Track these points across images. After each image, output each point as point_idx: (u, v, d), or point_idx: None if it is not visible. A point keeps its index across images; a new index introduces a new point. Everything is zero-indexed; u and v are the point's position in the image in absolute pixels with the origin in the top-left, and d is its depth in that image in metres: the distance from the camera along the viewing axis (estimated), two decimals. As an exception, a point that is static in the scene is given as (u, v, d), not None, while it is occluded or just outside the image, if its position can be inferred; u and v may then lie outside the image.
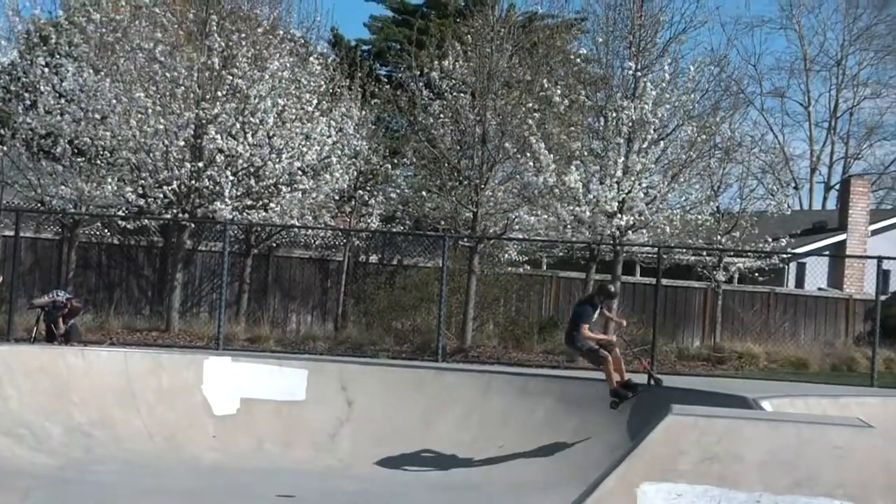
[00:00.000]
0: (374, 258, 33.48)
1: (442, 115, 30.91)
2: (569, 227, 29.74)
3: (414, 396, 20.71)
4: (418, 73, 31.45)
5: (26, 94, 29.51)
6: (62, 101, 29.13)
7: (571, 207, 28.84)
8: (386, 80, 34.69)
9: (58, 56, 29.64)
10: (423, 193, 32.06)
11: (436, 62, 31.29)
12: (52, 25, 30.96)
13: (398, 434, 19.89)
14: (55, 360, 20.01)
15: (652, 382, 19.16)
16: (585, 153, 29.66)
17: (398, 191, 33.88)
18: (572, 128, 29.98)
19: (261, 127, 28.94)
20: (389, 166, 32.82)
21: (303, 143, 29.55)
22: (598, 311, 19.02)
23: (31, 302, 23.08)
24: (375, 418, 20.05)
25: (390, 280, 32.53)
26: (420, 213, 32.84)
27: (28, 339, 22.65)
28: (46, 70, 29.30)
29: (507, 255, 33.40)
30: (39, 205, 30.00)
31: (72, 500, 14.78)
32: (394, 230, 33.50)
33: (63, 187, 29.14)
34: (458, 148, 31.00)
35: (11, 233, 27.50)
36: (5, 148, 29.59)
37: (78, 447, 18.24)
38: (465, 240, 30.82)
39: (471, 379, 21.38)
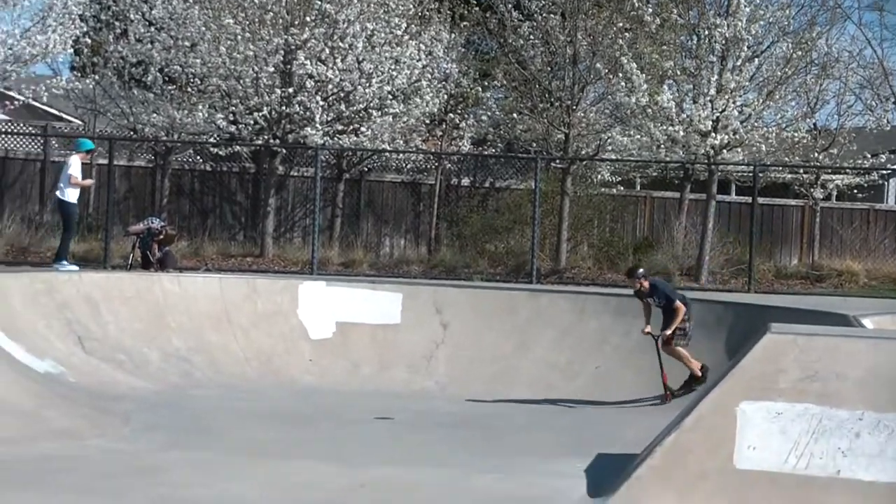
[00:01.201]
0: (466, 181, 33.35)
1: (532, 37, 30.61)
2: (662, 146, 29.40)
3: (509, 319, 20.66)
4: (508, -6, 31.17)
5: (117, 23, 29.63)
6: (152, 29, 29.20)
7: (665, 127, 28.48)
8: (475, 2, 34.33)
9: (148, -16, 29.71)
10: (515, 115, 31.81)
11: (525, -18, 30.97)
12: (141, -46, 30.99)
13: (493, 356, 19.87)
14: (151, 287, 20.18)
15: (669, 395, 17.99)
16: (678, 72, 29.23)
17: (489, 113, 33.65)
18: (664, 47, 29.53)
19: (350, 52, 28.80)
20: (480, 89, 32.59)
21: (392, 67, 29.37)
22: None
23: (127, 229, 23.23)
24: (470, 341, 20.02)
25: (483, 203, 32.41)
26: (511, 136, 32.63)
27: (124, 267, 22.82)
28: (136, -1, 29.40)
29: (599, 176, 33.11)
30: (132, 133, 30.16)
31: (171, 424, 14.87)
32: (485, 153, 33.32)
33: (155, 115, 29.26)
34: (549, 69, 30.71)
35: (105, 161, 27.69)
36: (97, 77, 29.73)
37: (176, 372, 18.39)
38: (558, 161, 30.57)
39: (565, 300, 21.28)
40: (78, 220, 22.28)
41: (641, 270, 18.64)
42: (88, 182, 22.63)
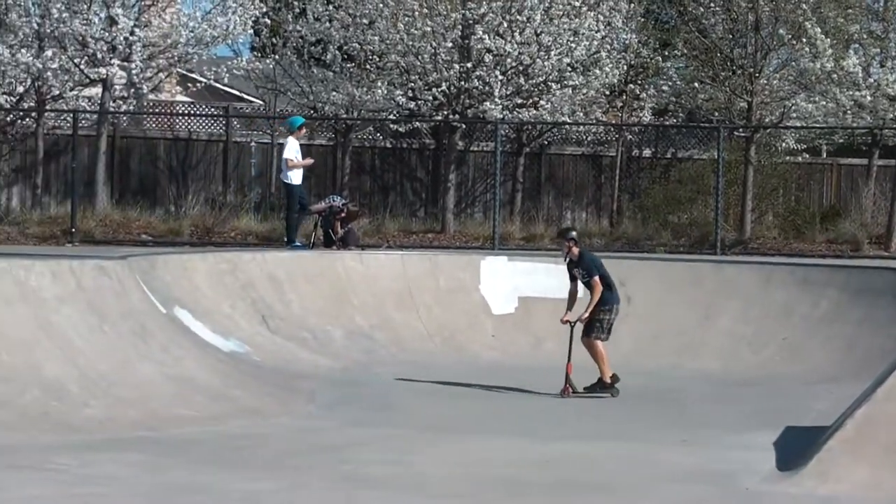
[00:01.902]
0: (647, 152, 32.99)
1: (713, 4, 30.07)
2: (849, 112, 28.66)
3: (693, 290, 20.33)
4: (687, -39, 30.65)
5: (295, 3, 29.86)
6: (330, 7, 29.34)
7: (851, 92, 27.76)
8: (654, -30, 33.90)
9: (325, -37, 29.89)
10: (696, 84, 31.28)
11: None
12: (319, -68, 31.19)
13: (677, 329, 19.58)
14: (334, 265, 20.29)
15: (569, 389, 16.00)
16: (864, 36, 28.46)
17: (670, 83, 33.15)
18: (850, 10, 28.77)
19: (528, 24, 28.59)
20: (660, 59, 32.13)
21: (571, 38, 29.08)
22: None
23: (309, 208, 23.40)
24: (654, 313, 19.74)
25: (665, 174, 32.01)
26: (693, 105, 32.11)
27: (307, 245, 23.00)
28: (314, -23, 29.60)
29: (784, 144, 32.43)
30: (312, 111, 30.39)
31: (355, 401, 14.93)
32: (667, 123, 32.91)
33: (334, 93, 29.43)
34: (731, 36, 30.13)
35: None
36: (277, 57, 30.02)
37: (359, 349, 18.46)
38: (741, 130, 30.02)
39: (751, 271, 20.89)
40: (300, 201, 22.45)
41: (574, 233, 16.61)
42: (307, 162, 22.84)
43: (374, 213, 29.21)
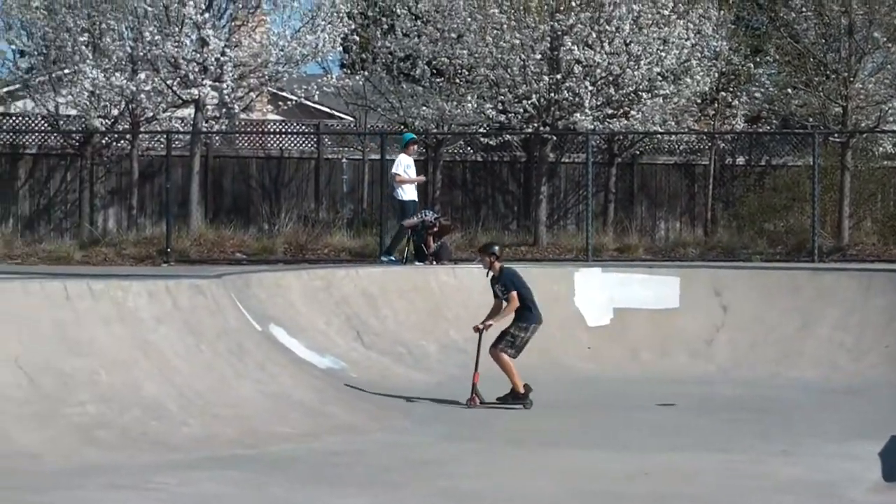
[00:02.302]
0: (740, 160, 32.70)
1: (804, 9, 29.73)
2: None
3: (790, 299, 20.11)
4: (777, -34, 30.36)
5: (383, 19, 30.00)
6: (419, 22, 29.43)
7: (949, 94, 27.37)
8: (743, -24, 33.59)
9: (413, -22, 30.00)
10: (789, 91, 30.94)
11: (795, -47, 30.11)
12: (406, -52, 31.32)
13: (776, 338, 19.38)
14: (427, 280, 20.30)
15: (475, 399, 15.73)
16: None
17: (762, 90, 32.81)
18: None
19: (617, 34, 28.45)
20: (752, 65, 31.81)
21: (661, 47, 28.90)
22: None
23: (402, 223, 23.44)
24: (751, 323, 19.55)
25: (759, 181, 31.70)
26: (786, 111, 31.75)
27: (400, 260, 23.01)
28: (402, -8, 29.73)
29: (881, 149, 31.99)
30: (403, 127, 30.43)
31: (451, 416, 14.89)
32: (760, 130, 32.58)
33: (424, 108, 29.48)
34: (823, 41, 29.77)
35: (378, 156, 28.04)
36: (367, 73, 30.13)
37: (454, 363, 18.41)
38: (836, 135, 29.64)
39: (850, 278, 20.60)
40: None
41: (496, 248, 16.38)
42: (417, 178, 23.05)
43: (467, 227, 29.18)
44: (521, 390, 15.75)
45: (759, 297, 20.18)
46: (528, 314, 15.94)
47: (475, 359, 15.84)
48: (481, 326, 15.99)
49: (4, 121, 30.14)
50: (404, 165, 22.66)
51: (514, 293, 15.82)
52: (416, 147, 23.70)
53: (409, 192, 22.66)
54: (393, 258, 22.52)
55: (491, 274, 16.14)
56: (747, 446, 12.95)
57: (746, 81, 32.34)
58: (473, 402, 15.66)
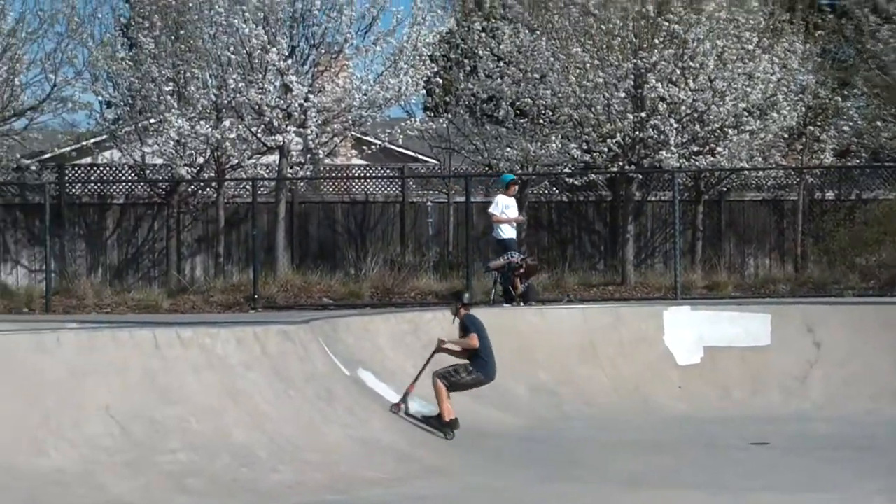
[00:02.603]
0: (830, 194, 32.29)
1: (892, 40, 29.44)
2: None
3: (885, 334, 19.78)
4: (864, -2, 30.17)
5: (466, 61, 30.07)
6: (501, 63, 29.46)
7: None
8: (829, 9, 33.28)
9: (493, 20, 30.11)
10: (878, 123, 30.64)
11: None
12: (486, -11, 31.41)
13: (871, 374, 19.09)
14: (515, 321, 20.18)
15: (401, 406, 16.14)
16: None
17: (851, 123, 32.43)
18: None
19: (701, 71, 28.30)
20: (839, 98, 31.50)
21: (746, 83, 28.70)
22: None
23: (488, 265, 23.37)
24: (845, 359, 19.26)
25: (849, 215, 31.29)
26: (876, 144, 31.41)
27: (487, 302, 22.90)
28: (483, 34, 29.82)
29: (978, 180, 31.55)
30: (487, 168, 30.42)
31: (542, 458, 14.76)
32: (849, 164, 32.18)
33: (508, 149, 29.44)
34: (912, 72, 29.50)
35: (463, 198, 28.01)
36: (450, 115, 30.17)
37: (544, 405, 18.30)
38: (929, 167, 29.26)
39: (946, 312, 20.25)
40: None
41: (466, 296, 16.79)
42: (515, 219, 23.04)
43: (553, 268, 29.03)
44: (447, 418, 15.92)
45: (853, 332, 19.88)
46: (481, 363, 16.22)
47: (420, 370, 16.28)
48: (444, 342, 16.42)
49: (92, 171, 30.48)
50: (502, 205, 22.69)
51: (474, 335, 16.15)
52: (515, 187, 23.61)
53: (507, 232, 22.68)
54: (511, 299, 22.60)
55: (456, 320, 16.59)
56: (844, 486, 12.73)
57: (834, 115, 31.99)
58: (399, 407, 16.01)
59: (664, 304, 22.09)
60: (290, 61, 27.05)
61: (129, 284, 28.74)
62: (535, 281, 23.39)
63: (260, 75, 27.01)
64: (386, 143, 29.86)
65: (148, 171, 29.76)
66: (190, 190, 29.33)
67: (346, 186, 31.20)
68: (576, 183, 30.59)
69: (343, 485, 12.48)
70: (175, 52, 27.94)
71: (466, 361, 16.22)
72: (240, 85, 26.88)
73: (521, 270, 22.45)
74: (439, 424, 15.89)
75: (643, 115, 27.92)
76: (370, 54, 28.00)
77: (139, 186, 29.77)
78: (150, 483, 11.58)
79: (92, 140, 31.02)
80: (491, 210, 22.78)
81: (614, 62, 27.99)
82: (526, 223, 28.97)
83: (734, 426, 17.02)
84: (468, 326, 16.28)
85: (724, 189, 31.66)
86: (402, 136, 29.31)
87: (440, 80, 29.94)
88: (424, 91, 29.93)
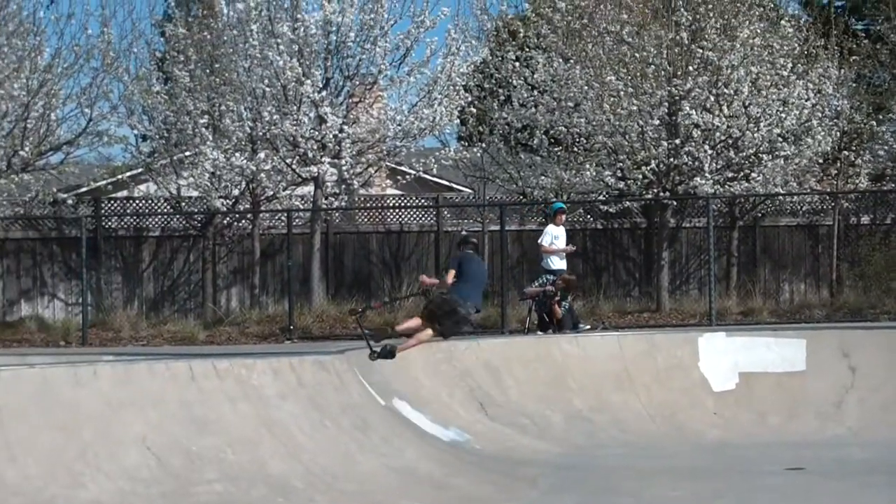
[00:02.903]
0: (865, 219, 32.20)
1: (928, 63, 29.45)
2: None
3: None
4: (898, 22, 30.13)
5: (500, 90, 30.19)
6: (535, 92, 29.58)
7: None
8: (864, 34, 33.25)
9: (527, 49, 30.22)
10: (917, 147, 30.61)
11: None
12: (520, 20, 31.52)
13: (909, 399, 18.94)
14: (550, 349, 20.13)
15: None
16: None
17: (886, 147, 32.38)
18: None
19: (735, 97, 28.34)
20: (875, 123, 31.44)
21: (780, 108, 28.72)
22: None
23: (523, 292, 23.39)
24: (882, 383, 19.12)
25: (885, 240, 31.18)
26: (913, 169, 31.38)
27: (522, 330, 22.92)
28: (517, 64, 29.97)
29: None
30: (521, 197, 30.47)
31: (579, 486, 14.72)
32: (885, 188, 32.09)
33: (543, 178, 29.54)
34: (947, 96, 29.42)
35: (497, 227, 28.07)
36: (484, 144, 30.26)
37: (579, 433, 18.25)
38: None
39: None
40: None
41: (474, 240, 18.44)
42: (564, 249, 23.01)
43: (588, 295, 29.04)
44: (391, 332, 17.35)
45: (890, 357, 19.75)
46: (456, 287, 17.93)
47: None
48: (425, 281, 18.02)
49: (128, 204, 30.69)
50: (551, 236, 22.73)
51: (452, 271, 17.71)
52: (563, 216, 23.56)
53: (556, 262, 22.69)
54: (583, 326, 23.11)
55: None
56: (883, 511, 12.66)
57: (869, 139, 31.96)
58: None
59: (699, 331, 22.01)
60: (324, 93, 27.19)
61: (164, 317, 28.90)
62: (573, 303, 23.30)
63: (294, 107, 27.16)
64: (420, 173, 29.96)
65: (183, 204, 29.94)
66: (225, 222, 29.49)
67: (380, 216, 31.31)
68: (610, 210, 30.59)
69: (378, 514, 12.49)
70: (210, 86, 28.14)
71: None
72: (274, 117, 27.03)
73: (560, 284, 22.41)
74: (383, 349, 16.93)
75: (677, 142, 27.94)
76: (404, 85, 28.14)
77: (175, 219, 29.94)
78: (187, 514, 11.63)
79: (128, 173, 31.28)
80: (540, 241, 22.78)
81: (648, 90, 28.04)
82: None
83: (770, 452, 16.94)
84: (450, 263, 17.37)
85: (759, 215, 31.63)
86: (436, 166, 29.41)
87: (474, 110, 30.06)
88: (458, 121, 30.05)
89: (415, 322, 17.64)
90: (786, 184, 29.98)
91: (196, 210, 29.55)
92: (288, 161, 27.81)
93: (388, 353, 16.88)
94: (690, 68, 28.12)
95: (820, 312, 27.64)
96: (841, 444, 17.54)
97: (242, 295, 29.83)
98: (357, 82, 28.06)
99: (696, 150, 27.87)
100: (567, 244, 23.22)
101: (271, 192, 28.73)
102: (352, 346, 19.04)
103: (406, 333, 17.58)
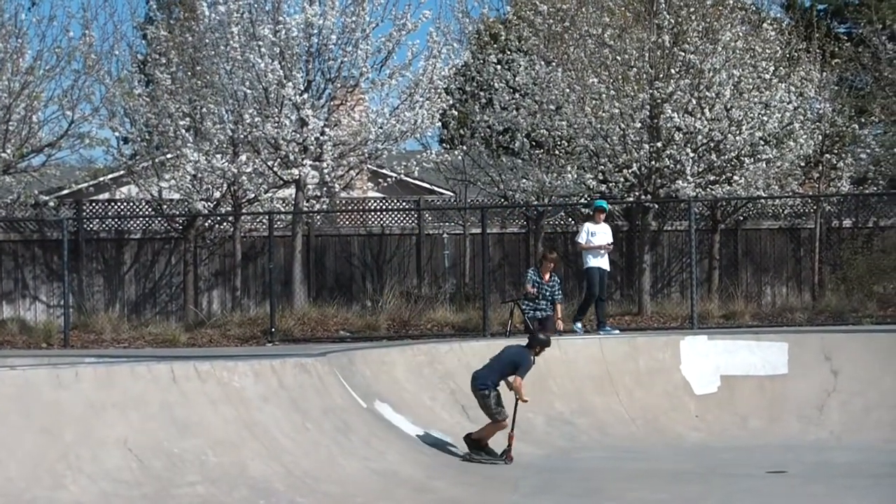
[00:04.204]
0: (847, 222, 32.26)
1: (910, 68, 29.54)
2: None
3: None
4: (880, 26, 30.11)
5: (481, 93, 30.19)
6: (516, 95, 29.58)
7: None
8: (846, 37, 33.29)
9: (508, 52, 30.21)
10: (895, 150, 30.62)
11: (898, 12, 29.94)
12: (501, 23, 31.53)
13: (890, 402, 19.00)
14: (532, 352, 20.12)
15: (504, 458, 16.39)
16: None
17: (868, 150, 32.44)
18: None
19: (717, 100, 28.35)
20: (856, 126, 31.50)
21: (762, 112, 28.75)
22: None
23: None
24: (864, 387, 19.20)
25: (867, 243, 31.25)
26: (893, 172, 31.40)
27: (503, 333, 22.89)
28: (499, 67, 29.94)
29: None
30: (503, 200, 30.48)
31: (560, 488, 14.73)
32: (867, 192, 32.16)
33: (524, 180, 29.53)
34: (928, 100, 29.51)
35: (478, 230, 28.05)
36: (466, 147, 30.26)
37: (561, 435, 18.28)
38: (945, 195, 29.25)
39: (965, 339, 20.18)
40: (599, 285, 22.92)
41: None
42: (601, 246, 22.92)
43: (571, 298, 29.02)
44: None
45: (871, 360, 19.82)
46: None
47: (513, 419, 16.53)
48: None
49: (110, 207, 30.59)
50: (588, 233, 22.77)
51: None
52: (603, 214, 23.48)
53: (593, 261, 22.66)
54: (578, 324, 23.08)
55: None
56: (864, 513, 12.68)
57: (851, 143, 32.01)
58: (510, 458, 16.31)
59: (681, 334, 22.04)
60: (306, 95, 27.13)
61: (146, 319, 28.83)
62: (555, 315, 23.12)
63: (276, 110, 27.11)
64: (402, 176, 29.90)
65: (165, 206, 29.86)
66: (207, 224, 29.43)
67: (362, 219, 31.27)
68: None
69: (361, 517, 12.48)
70: (191, 88, 28.08)
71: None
72: (256, 119, 26.97)
73: (548, 264, 22.36)
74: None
75: (659, 145, 27.95)
76: (386, 88, 28.06)
77: (156, 221, 29.87)
78: (168, 516, 11.61)
79: (109, 176, 31.20)
80: (577, 238, 22.90)
81: (630, 93, 28.04)
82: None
83: (751, 455, 16.98)
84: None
85: (741, 218, 31.67)
86: (417, 169, 29.38)
87: (456, 113, 30.06)
88: (440, 123, 30.02)
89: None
90: (768, 187, 29.98)
91: (177, 212, 29.47)
92: (269, 164, 27.76)
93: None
94: (672, 71, 28.13)
95: (802, 316, 27.66)
96: (823, 448, 17.60)
97: (224, 297, 29.79)
98: (339, 85, 27.99)
99: (677, 153, 27.88)
100: (607, 241, 23.13)
101: (253, 195, 28.67)
102: (333, 348, 19.03)
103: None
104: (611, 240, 23.32)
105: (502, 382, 16.51)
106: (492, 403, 16.41)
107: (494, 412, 16.40)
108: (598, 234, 22.85)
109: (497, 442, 16.38)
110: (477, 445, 16.38)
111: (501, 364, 16.68)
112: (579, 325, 23.06)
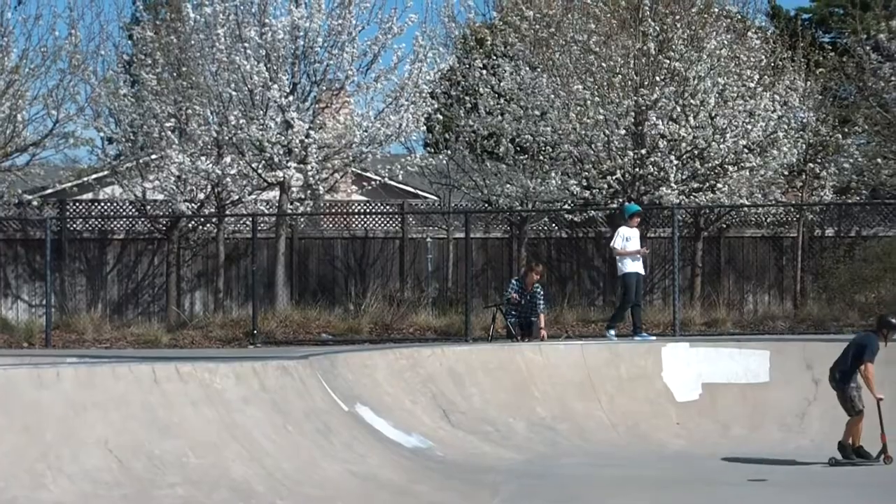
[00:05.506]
0: (830, 231, 32.33)
1: (893, 78, 29.55)
2: None
3: (884, 371, 19.43)
4: (864, 36, 30.17)
5: (466, 98, 30.20)
6: (501, 100, 29.58)
7: None
8: (830, 47, 33.40)
9: (494, 57, 30.21)
10: (879, 160, 30.72)
11: (882, 23, 29.94)
12: (487, 28, 31.56)
13: (870, 411, 18.94)
14: (513, 357, 20.16)
15: (882, 458, 16.60)
16: None
17: (851, 160, 32.50)
18: None
19: (702, 108, 28.42)
20: (840, 136, 31.57)
21: (746, 120, 28.82)
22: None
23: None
24: (846, 396, 19.18)
25: (849, 252, 31.31)
26: (876, 181, 31.48)
27: (486, 338, 22.90)
28: (484, 72, 29.94)
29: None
30: (486, 205, 30.50)
31: (540, 494, 14.72)
32: (849, 201, 32.24)
33: (508, 186, 29.56)
34: (913, 110, 29.58)
35: (462, 235, 28.06)
36: (450, 152, 30.27)
37: (542, 441, 18.27)
38: (928, 205, 29.32)
39: (945, 349, 20.16)
40: (635, 291, 22.84)
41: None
42: (636, 251, 22.85)
43: (552, 304, 29.04)
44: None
45: (853, 369, 19.81)
46: None
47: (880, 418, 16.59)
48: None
49: (93, 207, 30.56)
50: (623, 237, 22.60)
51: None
52: (637, 219, 23.29)
53: (629, 265, 22.58)
54: (612, 330, 22.86)
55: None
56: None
57: (835, 152, 32.08)
58: (889, 458, 16.48)
59: (663, 341, 22.06)
60: (291, 98, 27.14)
61: (128, 319, 28.81)
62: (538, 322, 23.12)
63: (261, 112, 27.12)
64: (386, 180, 29.95)
65: (149, 207, 29.84)
66: (190, 225, 29.42)
67: (345, 222, 31.28)
68: (575, 220, 30.62)
69: (341, 520, 12.46)
70: (177, 89, 28.08)
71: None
72: (241, 121, 26.97)
73: (534, 276, 22.38)
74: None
75: (643, 151, 28.00)
76: (371, 91, 28.13)
77: (140, 222, 29.85)
78: (149, 518, 11.58)
79: (93, 176, 31.15)
80: (613, 244, 22.75)
81: (615, 99, 28.09)
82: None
83: (733, 463, 16.97)
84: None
85: (724, 226, 31.72)
86: (402, 173, 29.41)
87: (441, 117, 30.08)
88: (425, 128, 30.07)
89: None
90: (751, 195, 30.06)
91: (161, 213, 29.45)
92: (254, 166, 27.76)
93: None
94: (657, 78, 28.19)
95: (784, 324, 27.72)
96: (804, 456, 17.59)
97: (206, 299, 29.76)
98: (324, 88, 28.04)
99: (661, 160, 27.93)
100: (641, 246, 23.08)
101: (237, 197, 28.68)
102: (315, 351, 19.01)
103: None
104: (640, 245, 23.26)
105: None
106: (850, 396, 16.64)
107: (849, 406, 16.68)
108: (632, 238, 22.76)
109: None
110: (851, 449, 16.64)
111: (849, 351, 16.89)
112: (613, 332, 22.75)
